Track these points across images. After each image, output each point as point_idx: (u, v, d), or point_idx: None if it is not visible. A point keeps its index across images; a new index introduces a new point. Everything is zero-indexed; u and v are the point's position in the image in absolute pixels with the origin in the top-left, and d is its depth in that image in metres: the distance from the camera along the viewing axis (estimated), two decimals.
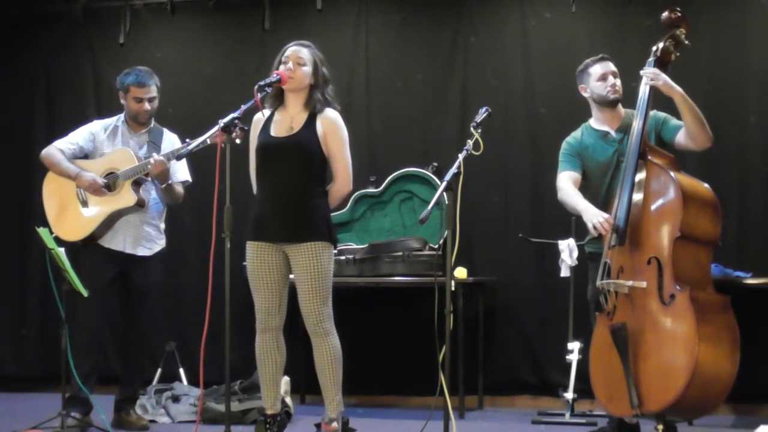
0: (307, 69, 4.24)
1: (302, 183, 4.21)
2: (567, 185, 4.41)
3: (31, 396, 6.28)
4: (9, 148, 6.78)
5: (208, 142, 4.26)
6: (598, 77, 4.43)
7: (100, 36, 6.72)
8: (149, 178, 4.89)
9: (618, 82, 4.44)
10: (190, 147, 4.33)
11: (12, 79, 6.82)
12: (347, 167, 4.32)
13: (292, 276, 4.29)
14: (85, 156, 5.00)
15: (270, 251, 4.24)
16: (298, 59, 4.22)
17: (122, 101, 5.04)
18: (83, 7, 6.72)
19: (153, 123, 5.08)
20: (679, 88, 4.16)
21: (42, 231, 4.48)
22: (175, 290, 6.32)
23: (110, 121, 5.08)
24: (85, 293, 4.55)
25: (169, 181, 4.89)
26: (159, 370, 5.99)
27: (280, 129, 4.26)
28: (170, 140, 5.07)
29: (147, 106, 4.97)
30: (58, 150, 4.95)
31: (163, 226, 5.10)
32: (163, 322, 6.30)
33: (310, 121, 4.24)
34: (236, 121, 3.97)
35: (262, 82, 4.14)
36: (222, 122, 3.95)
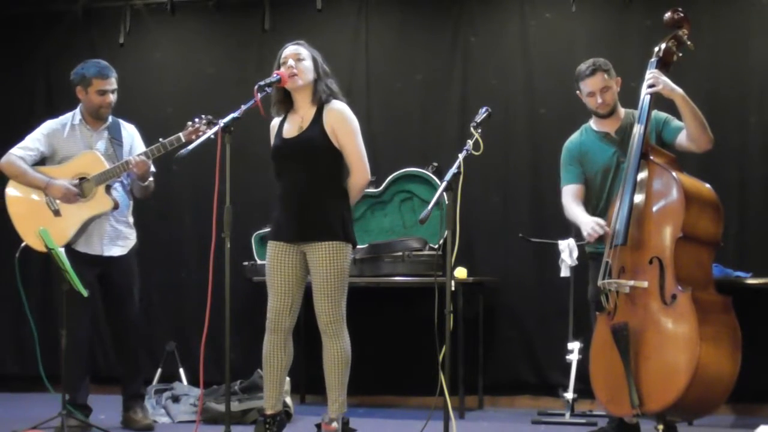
0: (308, 63, 4.22)
1: (315, 181, 4.18)
2: (568, 202, 4.45)
3: (31, 396, 6.27)
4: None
5: (183, 138, 4.50)
6: (587, 94, 4.43)
7: (100, 36, 6.72)
8: (120, 178, 4.87)
9: (608, 95, 4.40)
10: (190, 147, 4.32)
11: (12, 79, 6.82)
12: (361, 157, 4.26)
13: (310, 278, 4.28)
14: (44, 159, 4.93)
15: (288, 251, 4.22)
16: (296, 56, 4.21)
17: (80, 96, 4.92)
18: (83, 7, 6.72)
19: (110, 117, 5.00)
20: (680, 90, 4.16)
21: (42, 231, 4.46)
22: (175, 290, 6.33)
23: (65, 120, 4.98)
24: (85, 293, 4.53)
25: (150, 178, 4.87)
26: (159, 370, 5.99)
27: (291, 130, 4.25)
28: (129, 132, 5.04)
29: (111, 98, 4.90)
30: (18, 158, 4.86)
31: (131, 219, 5.05)
32: (163, 322, 6.31)
33: (318, 116, 4.22)
34: (235, 120, 3.98)
35: (262, 82, 4.12)
36: (222, 122, 3.95)
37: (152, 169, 4.97)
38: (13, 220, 4.89)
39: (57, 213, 4.83)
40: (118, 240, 4.95)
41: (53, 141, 4.92)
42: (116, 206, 4.84)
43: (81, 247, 4.86)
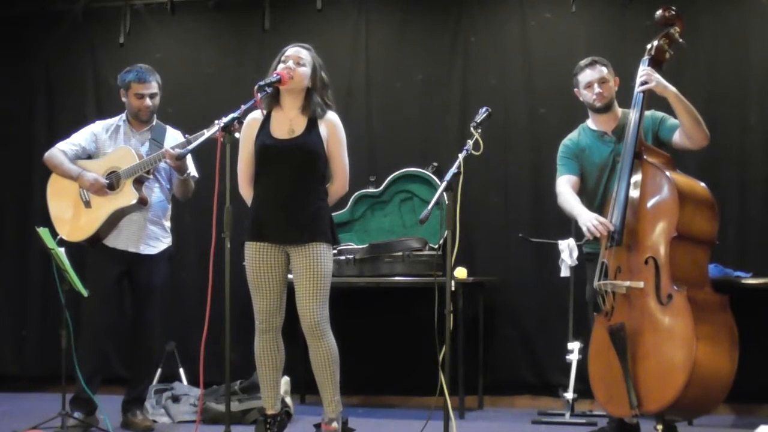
0: (306, 70, 4.22)
1: (306, 184, 4.20)
2: (565, 190, 4.42)
3: (31, 396, 6.28)
4: (9, 148, 6.79)
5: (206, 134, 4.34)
6: (585, 85, 4.43)
7: (100, 36, 6.72)
8: (151, 176, 4.90)
9: (606, 88, 4.41)
10: (190, 147, 4.36)
11: (12, 80, 6.82)
12: (346, 169, 4.33)
13: (290, 276, 4.29)
14: (89, 157, 5.00)
15: (272, 252, 4.23)
16: (297, 59, 4.22)
17: (123, 99, 5.03)
18: (83, 7, 6.73)
19: (155, 121, 5.08)
20: (672, 88, 4.16)
21: (42, 231, 4.48)
22: (175, 290, 6.32)
23: (112, 121, 5.08)
24: (85, 293, 4.55)
25: (188, 171, 4.88)
26: (159, 370, 5.98)
27: (280, 130, 4.24)
28: (174, 137, 5.07)
29: (148, 102, 4.96)
30: (60, 151, 4.96)
31: (168, 224, 5.09)
32: (163, 322, 6.31)
33: (312, 125, 4.23)
34: (235, 120, 3.98)
35: (262, 82, 4.13)
36: (222, 122, 3.95)
37: (193, 173, 5.00)
38: (50, 211, 4.99)
39: (87, 204, 4.90)
40: (149, 239, 4.96)
41: (96, 138, 5.01)
42: (143, 201, 4.86)
43: (110, 243, 4.91)
